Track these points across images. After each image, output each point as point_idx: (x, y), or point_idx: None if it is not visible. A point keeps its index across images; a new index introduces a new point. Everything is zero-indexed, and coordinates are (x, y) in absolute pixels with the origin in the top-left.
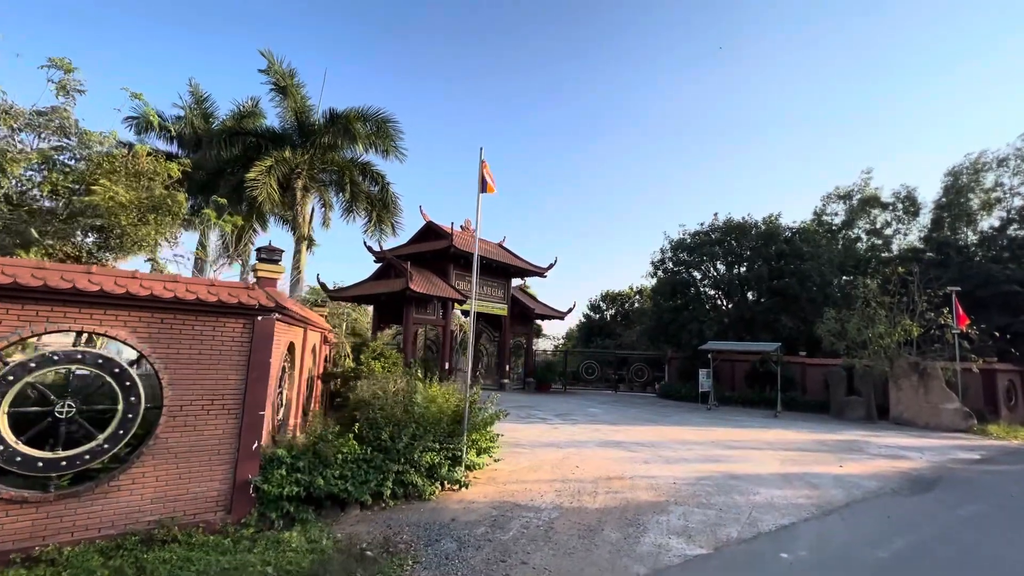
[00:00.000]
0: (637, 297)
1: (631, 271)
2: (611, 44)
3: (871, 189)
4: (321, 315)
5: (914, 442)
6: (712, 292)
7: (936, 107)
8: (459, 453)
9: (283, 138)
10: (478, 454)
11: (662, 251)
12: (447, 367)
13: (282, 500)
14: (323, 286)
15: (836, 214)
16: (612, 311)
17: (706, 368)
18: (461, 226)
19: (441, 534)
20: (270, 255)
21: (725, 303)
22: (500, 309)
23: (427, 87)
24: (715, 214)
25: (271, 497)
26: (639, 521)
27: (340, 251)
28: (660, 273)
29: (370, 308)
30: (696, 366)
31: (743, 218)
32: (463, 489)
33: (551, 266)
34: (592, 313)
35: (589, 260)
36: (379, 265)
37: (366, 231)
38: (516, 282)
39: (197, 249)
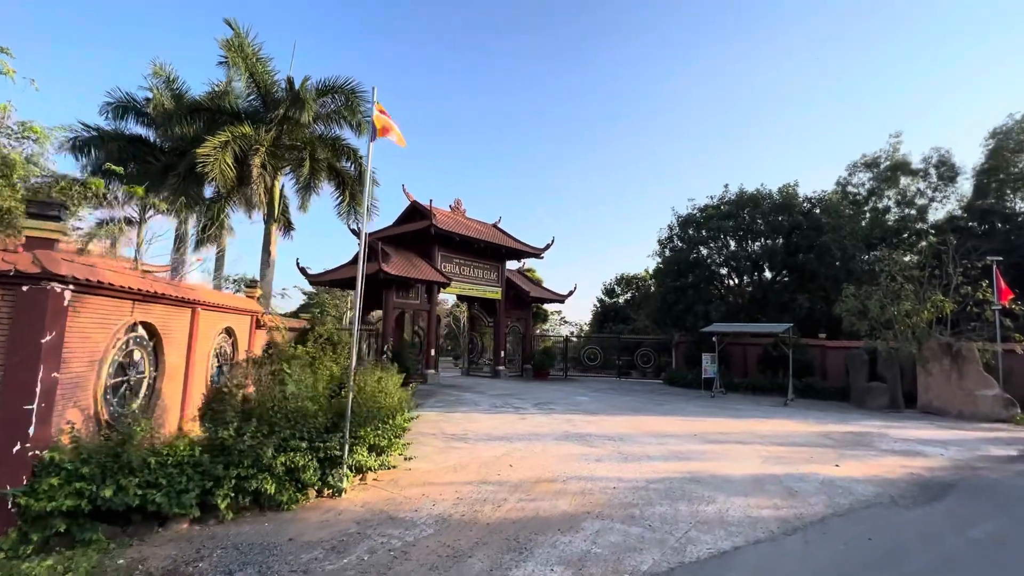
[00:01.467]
0: (652, 280)
1: (648, 253)
2: (628, 19)
3: (901, 155)
4: (251, 296)
5: (940, 434)
6: (723, 271)
7: (965, 71)
8: (336, 453)
9: (245, 114)
10: (378, 453)
11: (670, 228)
12: (432, 353)
13: (53, 516)
14: (303, 271)
15: (862, 184)
16: (628, 295)
17: (710, 352)
18: (450, 206)
19: (252, 560)
20: (43, 209)
21: (736, 282)
22: (493, 293)
23: (436, 59)
24: (726, 186)
25: (37, 513)
26: (529, 544)
27: (345, 239)
28: (667, 252)
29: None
30: (704, 351)
31: (756, 189)
32: (340, 496)
33: (548, 246)
34: (606, 297)
35: (606, 243)
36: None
37: (339, 212)
38: (514, 265)
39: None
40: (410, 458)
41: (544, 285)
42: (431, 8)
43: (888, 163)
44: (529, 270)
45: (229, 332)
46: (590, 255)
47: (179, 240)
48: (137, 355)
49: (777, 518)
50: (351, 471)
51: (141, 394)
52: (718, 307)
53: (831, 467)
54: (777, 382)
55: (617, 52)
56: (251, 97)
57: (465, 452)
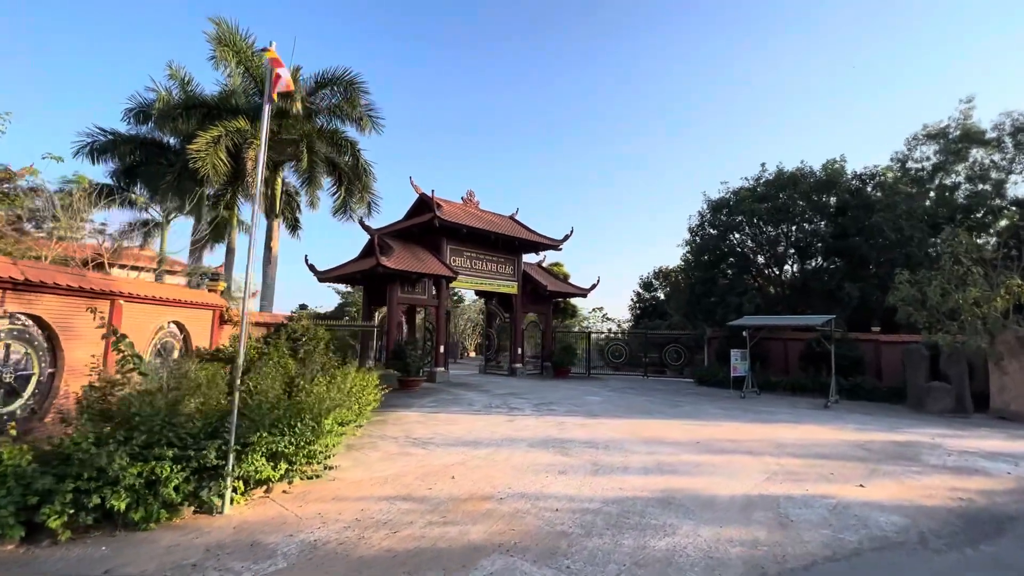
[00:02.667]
0: (681, 272)
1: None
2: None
3: (973, 123)
4: (213, 290)
5: (1013, 447)
6: (759, 259)
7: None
8: (217, 463)
9: (244, 110)
10: (289, 462)
11: (700, 215)
12: (441, 351)
13: None
14: (311, 267)
15: (925, 158)
16: (667, 288)
17: (740, 348)
18: (462, 198)
19: None
20: None
21: (775, 271)
22: (508, 287)
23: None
24: (762, 165)
25: None
26: None
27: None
28: (698, 240)
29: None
30: (737, 346)
31: (797, 167)
32: (221, 513)
33: (567, 237)
34: (643, 291)
35: (647, 234)
36: (367, 242)
37: (334, 207)
38: (532, 258)
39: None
40: (330, 467)
41: (570, 280)
42: (454, 9)
43: (957, 133)
44: (556, 264)
45: (181, 327)
46: (631, 248)
47: (196, 240)
48: (19, 350)
49: (748, 561)
50: (245, 483)
51: (27, 393)
52: (752, 298)
53: (853, 487)
54: (820, 381)
55: (643, 39)
56: (252, 92)
57: (415, 460)
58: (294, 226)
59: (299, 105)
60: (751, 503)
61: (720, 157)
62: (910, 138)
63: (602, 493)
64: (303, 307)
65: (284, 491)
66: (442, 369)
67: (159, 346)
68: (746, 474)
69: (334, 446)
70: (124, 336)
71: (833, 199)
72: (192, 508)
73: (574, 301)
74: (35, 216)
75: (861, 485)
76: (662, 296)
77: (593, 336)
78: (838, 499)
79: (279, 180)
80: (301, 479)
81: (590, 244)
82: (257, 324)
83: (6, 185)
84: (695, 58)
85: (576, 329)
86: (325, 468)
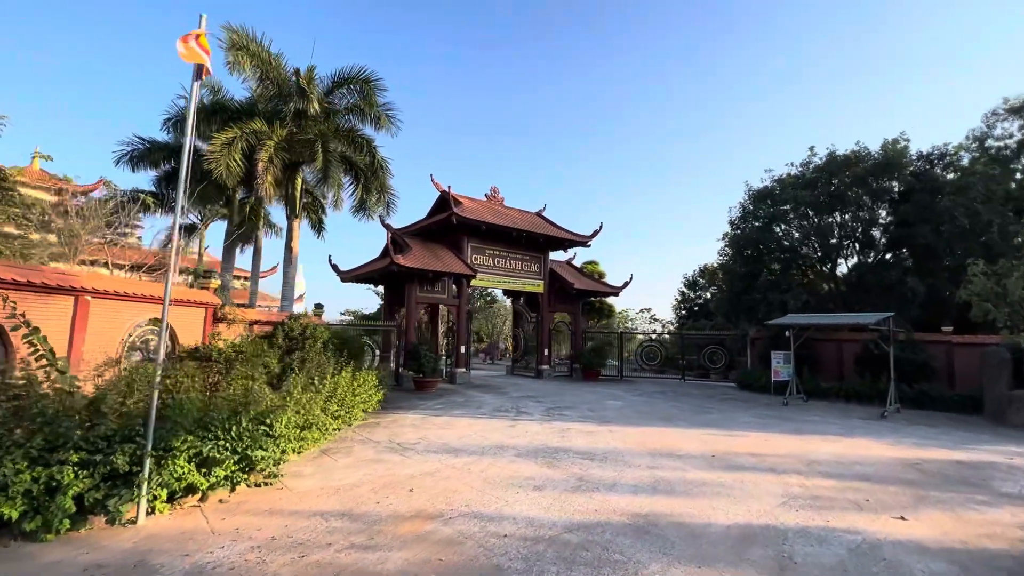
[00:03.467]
0: (720, 268)
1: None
2: None
3: None
4: (205, 287)
5: None
6: (805, 251)
7: None
8: (130, 468)
9: (264, 113)
10: (208, 468)
11: (741, 206)
12: (463, 351)
13: None
14: (335, 267)
15: (1009, 135)
16: (712, 287)
17: (782, 351)
18: (486, 194)
19: None
20: None
21: (825, 266)
22: (533, 286)
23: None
24: (811, 149)
25: None
26: None
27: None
28: (739, 233)
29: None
30: (781, 348)
31: (852, 150)
32: (134, 524)
33: (596, 233)
34: (688, 290)
35: (695, 233)
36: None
37: (353, 207)
38: (560, 256)
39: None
40: (275, 475)
41: (605, 280)
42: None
43: None
44: (591, 263)
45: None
46: (680, 245)
47: (227, 242)
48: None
49: None
50: (173, 491)
51: None
52: (798, 295)
53: (890, 520)
54: (879, 388)
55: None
56: (272, 96)
57: (383, 468)
58: (319, 226)
59: (316, 105)
60: (750, 536)
61: (770, 146)
62: (989, 113)
63: (571, 515)
64: (319, 307)
65: (221, 500)
66: (463, 370)
67: (139, 344)
68: (757, 497)
69: (296, 452)
70: (37, 329)
71: (895, 184)
72: (105, 518)
73: (613, 301)
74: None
75: (901, 517)
76: (708, 295)
77: (635, 337)
78: (865, 535)
79: (298, 180)
80: (248, 486)
81: (636, 244)
82: (259, 323)
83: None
84: (741, 40)
85: (619, 330)
86: (269, 476)
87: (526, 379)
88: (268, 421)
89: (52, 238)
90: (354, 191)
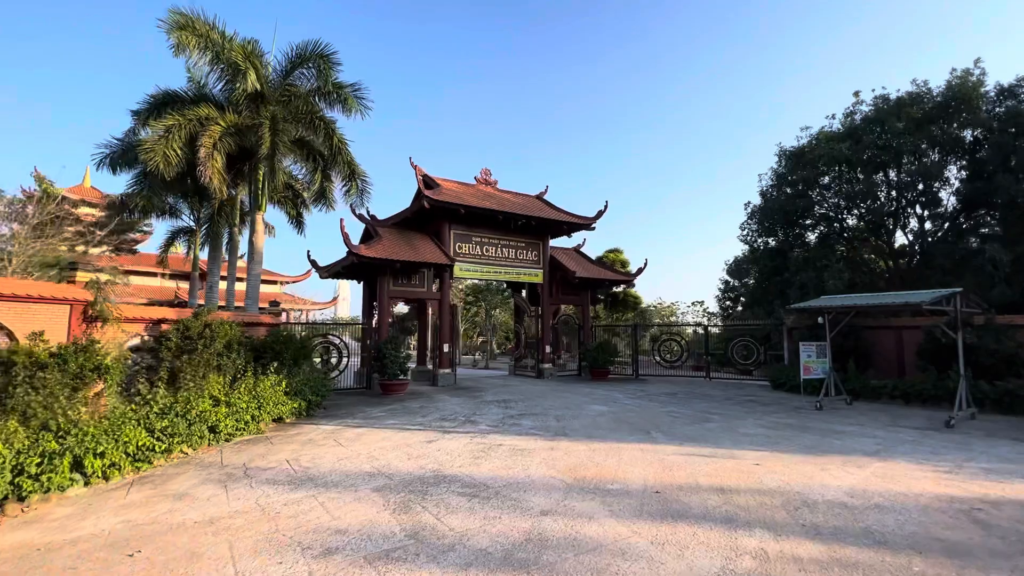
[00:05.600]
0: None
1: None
2: None
3: None
4: (71, 281)
5: None
6: (851, 221)
7: None
8: None
9: (207, 97)
10: None
11: (773, 172)
12: (446, 349)
13: None
14: (313, 263)
15: None
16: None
17: (814, 341)
18: (476, 177)
19: None
20: None
21: (878, 237)
22: (530, 275)
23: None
24: (856, 94)
25: None
26: None
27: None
28: (768, 204)
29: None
30: (832, 339)
31: (906, 91)
32: None
33: (600, 213)
34: (731, 279)
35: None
36: (364, 232)
37: (312, 196)
38: (564, 243)
39: None
40: None
41: (628, 269)
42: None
43: None
44: (613, 251)
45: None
46: (726, 234)
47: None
48: None
49: None
50: None
51: None
52: (838, 274)
53: None
54: (947, 386)
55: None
56: (227, 79)
57: (168, 508)
58: (298, 220)
59: (255, 79)
60: None
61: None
62: None
63: None
64: (275, 304)
65: None
66: (447, 370)
67: None
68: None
69: (79, 483)
70: None
71: (967, 131)
72: None
73: (646, 295)
74: None
75: None
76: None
77: (665, 329)
78: None
79: (260, 170)
80: None
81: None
82: (166, 321)
83: None
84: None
85: (631, 324)
86: None
87: (524, 380)
88: None
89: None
90: (312, 177)
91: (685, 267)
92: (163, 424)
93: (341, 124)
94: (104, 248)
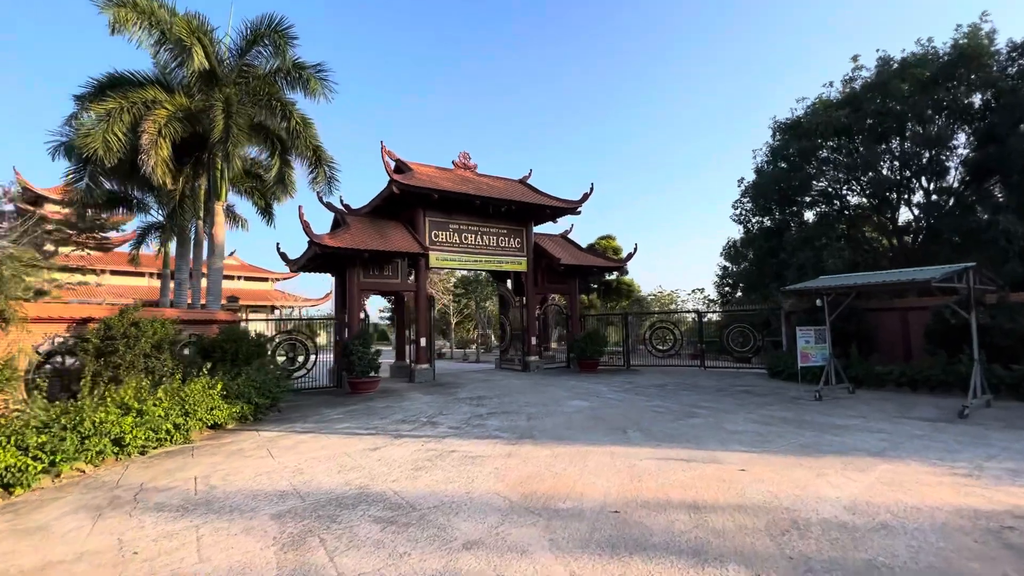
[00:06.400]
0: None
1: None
2: None
3: None
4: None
5: None
6: (853, 198)
7: None
8: None
9: (151, 78)
10: None
11: (769, 147)
12: (423, 344)
13: None
14: (283, 256)
15: None
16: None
17: (812, 327)
18: (453, 162)
19: None
20: None
21: (882, 214)
22: (513, 264)
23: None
24: (854, 58)
25: None
26: None
27: None
28: (759, 180)
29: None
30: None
31: (911, 52)
32: None
33: (586, 196)
34: (731, 263)
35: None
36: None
37: (271, 181)
38: (550, 229)
39: None
40: None
41: (620, 256)
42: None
43: None
44: (606, 238)
45: None
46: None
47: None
48: None
49: None
50: None
51: None
52: (837, 252)
53: None
54: (958, 371)
55: None
56: (180, 61)
57: None
58: (267, 212)
59: (202, 56)
60: None
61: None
62: None
63: None
64: (233, 300)
65: None
66: (424, 366)
67: None
68: None
69: None
70: None
71: (976, 95)
72: None
73: (645, 284)
74: None
75: None
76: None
77: (661, 318)
78: None
79: (217, 158)
80: None
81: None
82: (92, 320)
83: None
84: None
85: (620, 312)
86: None
87: (508, 374)
88: None
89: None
90: (271, 162)
91: (689, 255)
92: (40, 440)
93: (323, 111)
94: (73, 247)
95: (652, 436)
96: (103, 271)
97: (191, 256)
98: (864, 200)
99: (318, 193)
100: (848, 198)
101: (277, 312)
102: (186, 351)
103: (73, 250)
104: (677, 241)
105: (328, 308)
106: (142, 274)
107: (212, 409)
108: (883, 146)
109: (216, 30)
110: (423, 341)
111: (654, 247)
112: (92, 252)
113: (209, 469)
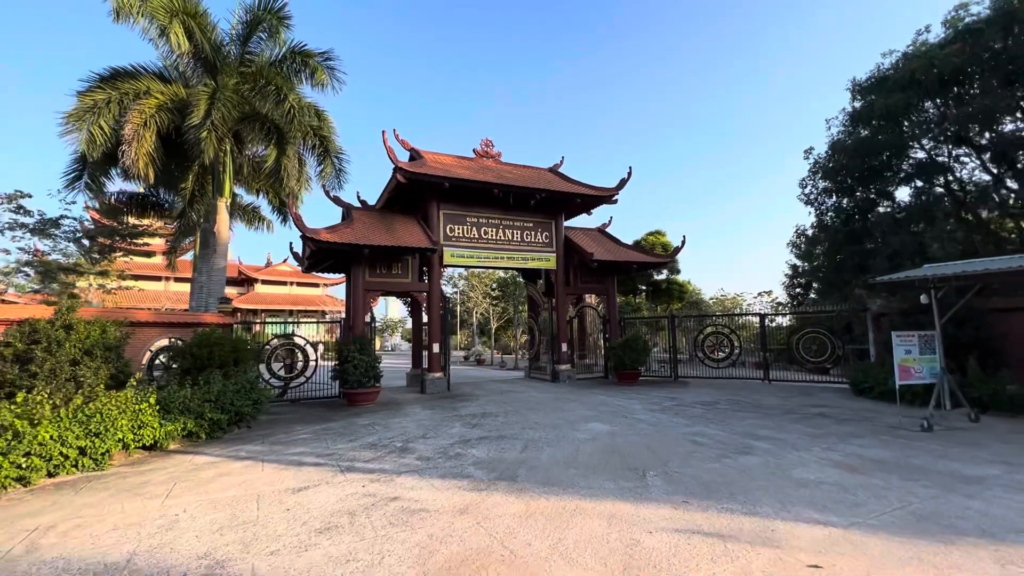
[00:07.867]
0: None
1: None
2: None
3: None
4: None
5: None
6: (958, 169)
7: None
8: None
9: (149, 70)
10: None
11: (847, 114)
12: (436, 349)
13: None
14: (296, 255)
15: None
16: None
17: (915, 331)
18: (474, 150)
19: None
20: None
21: (1002, 186)
22: (540, 260)
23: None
24: None
25: None
26: None
27: None
28: (837, 154)
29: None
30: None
31: None
32: None
33: (623, 183)
34: (803, 262)
35: None
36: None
37: (266, 172)
38: (582, 223)
39: None
40: None
41: (658, 251)
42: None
43: None
44: (654, 234)
45: None
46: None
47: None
48: None
49: None
50: None
51: None
52: (946, 235)
53: None
54: None
55: None
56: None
57: None
58: (282, 209)
59: (181, 37)
60: None
61: None
62: None
63: None
64: (224, 301)
65: None
66: (438, 375)
67: None
68: None
69: None
70: None
71: None
72: None
73: (699, 283)
74: None
75: None
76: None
77: (711, 321)
78: None
79: (225, 152)
80: None
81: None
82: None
83: None
84: None
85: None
86: None
87: (535, 384)
88: None
89: None
90: (266, 151)
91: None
92: None
93: (340, 105)
94: (117, 254)
95: (679, 485)
96: (167, 278)
97: (214, 257)
98: (980, 165)
99: (324, 186)
100: (956, 170)
101: (328, 316)
102: (160, 358)
103: (118, 256)
104: (758, 246)
105: (382, 311)
106: (186, 280)
107: (140, 428)
108: (1012, 93)
109: (219, 23)
110: (436, 347)
111: (728, 252)
112: (134, 259)
113: (68, 515)
